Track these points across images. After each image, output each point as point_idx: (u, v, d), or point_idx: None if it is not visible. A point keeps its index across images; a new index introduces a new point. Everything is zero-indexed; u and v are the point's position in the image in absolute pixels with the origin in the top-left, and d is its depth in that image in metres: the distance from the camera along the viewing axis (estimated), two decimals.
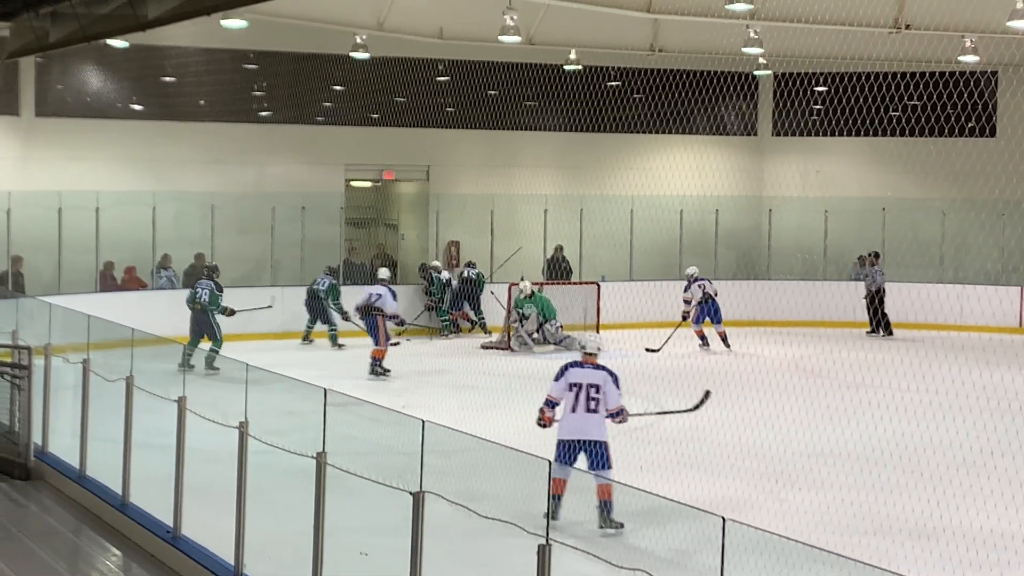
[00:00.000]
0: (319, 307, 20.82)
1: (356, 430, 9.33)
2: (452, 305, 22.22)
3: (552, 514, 9.00)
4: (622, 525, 9.32)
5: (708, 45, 22.11)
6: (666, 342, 20.02)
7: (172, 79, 23.32)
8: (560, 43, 22.59)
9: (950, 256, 24.55)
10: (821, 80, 25.74)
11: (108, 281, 21.14)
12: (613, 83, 25.51)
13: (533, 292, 20.79)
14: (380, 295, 17.85)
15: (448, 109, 24.96)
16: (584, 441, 9.73)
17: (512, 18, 19.16)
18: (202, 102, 23.41)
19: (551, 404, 10.05)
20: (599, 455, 9.68)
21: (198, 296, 17.91)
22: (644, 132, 25.81)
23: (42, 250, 20.30)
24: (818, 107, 26.27)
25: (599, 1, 20.61)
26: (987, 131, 24.77)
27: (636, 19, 21.63)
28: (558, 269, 23.71)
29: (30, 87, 21.98)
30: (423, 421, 6.90)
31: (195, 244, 21.85)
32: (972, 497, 10.91)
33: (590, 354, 10.07)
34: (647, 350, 19.78)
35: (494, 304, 21.97)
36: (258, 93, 24.22)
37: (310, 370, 15.83)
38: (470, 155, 24.90)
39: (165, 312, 19.42)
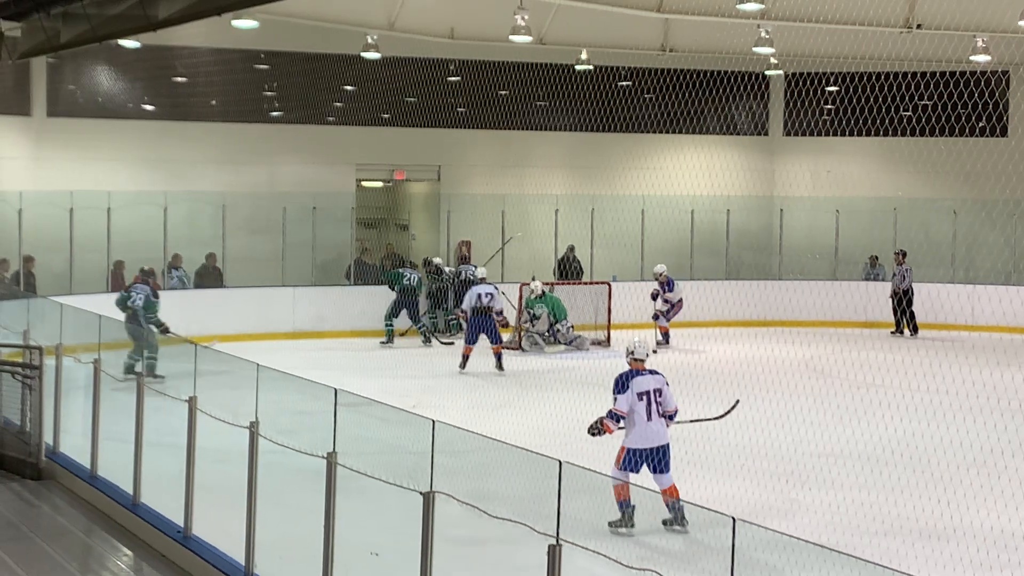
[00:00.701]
0: (411, 301, 20.92)
1: (367, 430, 9.33)
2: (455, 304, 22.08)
3: (627, 521, 9.22)
4: (687, 522, 9.38)
5: (719, 45, 22.08)
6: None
7: (183, 79, 23.36)
8: (571, 43, 22.60)
9: (961, 256, 24.47)
10: (832, 80, 25.70)
11: (119, 281, 21.16)
12: (624, 83, 25.49)
13: (544, 292, 20.78)
14: (492, 294, 18.33)
15: (459, 109, 24.97)
16: (657, 447, 9.67)
17: (523, 18, 19.16)
18: (213, 102, 23.45)
19: (617, 418, 9.79)
20: (665, 457, 9.67)
21: (131, 301, 16.75)
22: (655, 132, 25.79)
23: (53, 250, 20.33)
24: (829, 107, 26.22)
25: (610, 1, 20.60)
26: (998, 131, 24.70)
27: (647, 19, 21.63)
28: (569, 269, 23.69)
29: (42, 87, 22.04)
30: (433, 421, 6.90)
31: (206, 244, 21.88)
32: (983, 497, 10.89)
33: (639, 360, 9.93)
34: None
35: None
36: (269, 93, 24.25)
37: (322, 371, 15.80)
38: (481, 155, 24.90)
39: (176, 312, 19.47)
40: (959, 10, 19.95)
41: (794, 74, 25.52)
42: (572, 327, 20.83)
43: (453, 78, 24.29)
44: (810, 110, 26.26)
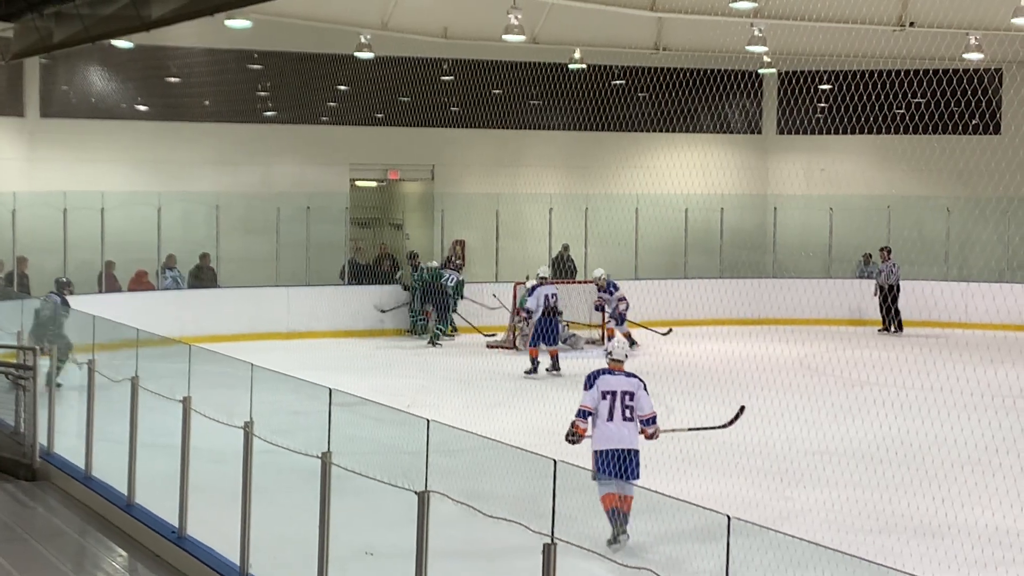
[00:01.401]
0: (444, 303, 21.00)
1: (361, 430, 9.31)
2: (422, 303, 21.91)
3: (615, 536, 8.88)
4: (628, 537, 9.11)
5: (712, 43, 22.09)
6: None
7: (177, 79, 23.35)
8: (564, 42, 22.60)
9: (955, 253, 24.52)
10: (825, 78, 25.74)
11: (110, 281, 21.15)
12: (618, 82, 25.51)
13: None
14: (556, 295, 18.32)
15: (453, 108, 24.97)
16: (622, 450, 9.42)
17: (516, 17, 19.16)
18: (207, 102, 23.44)
19: (585, 415, 9.53)
20: (632, 463, 9.43)
21: (41, 309, 15.35)
22: (649, 131, 25.81)
23: (47, 251, 20.32)
24: (822, 105, 26.24)
25: (603, 0, 20.61)
26: (992, 128, 24.74)
27: (640, 17, 21.64)
28: (563, 268, 23.70)
29: (35, 88, 22.03)
30: (428, 420, 6.89)
31: (200, 245, 21.88)
32: (978, 495, 10.90)
33: (617, 361, 9.71)
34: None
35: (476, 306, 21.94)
36: (263, 93, 24.23)
37: (316, 371, 15.78)
38: (475, 154, 24.91)
39: (170, 312, 19.49)
40: (952, 8, 19.97)
41: (787, 72, 25.55)
42: (567, 326, 20.81)
43: (447, 77, 24.29)
44: (803, 108, 26.29)
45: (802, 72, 25.40)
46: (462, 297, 21.78)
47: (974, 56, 21.02)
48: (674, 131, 26.09)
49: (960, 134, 24.51)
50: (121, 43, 19.60)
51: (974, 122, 24.43)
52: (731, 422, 10.85)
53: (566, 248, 23.98)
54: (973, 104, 23.99)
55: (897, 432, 12.88)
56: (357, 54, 21.15)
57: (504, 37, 19.73)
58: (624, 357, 9.77)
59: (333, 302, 21.77)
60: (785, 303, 22.31)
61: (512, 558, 7.80)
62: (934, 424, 13.24)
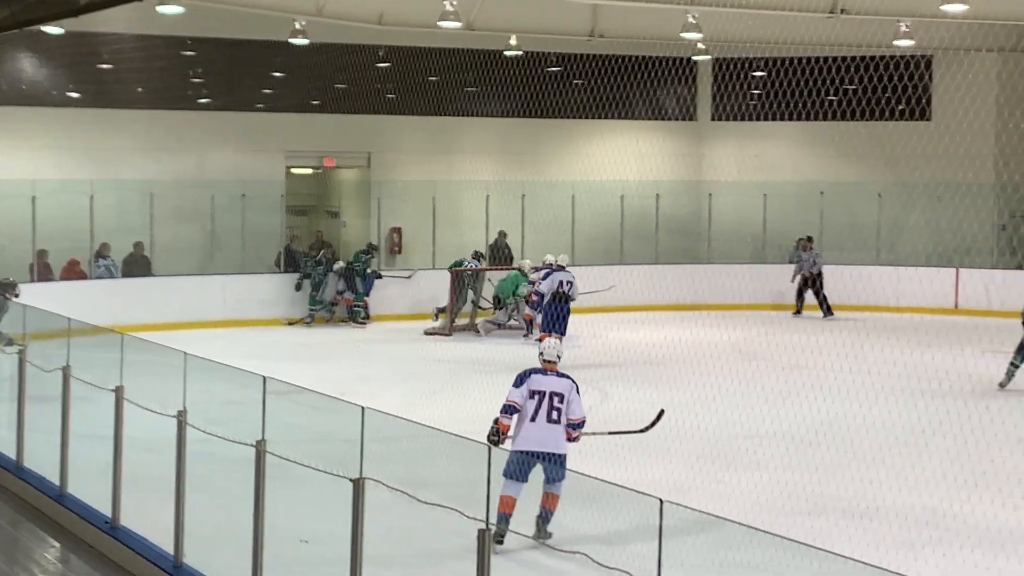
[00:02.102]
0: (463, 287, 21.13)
1: (297, 418, 9.33)
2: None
3: (498, 537, 8.45)
4: (551, 535, 8.95)
5: (647, 30, 22.23)
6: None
7: (109, 66, 23.08)
8: (500, 29, 22.60)
9: (885, 238, 24.88)
10: (759, 65, 25.98)
11: (43, 270, 20.92)
12: (553, 69, 25.59)
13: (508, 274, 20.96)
14: (571, 282, 18.28)
15: (389, 95, 24.91)
16: (544, 454, 9.02)
17: (452, 3, 19.17)
18: (140, 89, 23.20)
19: (511, 411, 9.13)
20: (558, 467, 9.02)
21: None
22: (585, 118, 25.94)
23: None
24: (756, 91, 26.49)
25: None
26: (921, 114, 25.10)
27: (576, 5, 21.74)
28: (500, 255, 23.77)
29: None
30: (363, 408, 6.91)
31: (134, 233, 21.69)
32: (905, 476, 11.12)
33: (550, 361, 9.36)
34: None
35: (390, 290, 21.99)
36: (196, 80, 24.04)
37: (253, 359, 15.67)
38: (411, 141, 24.87)
39: (104, 301, 19.31)
40: None
41: (721, 59, 25.75)
42: (517, 310, 20.90)
43: (383, 64, 24.23)
44: (737, 95, 26.51)
45: (736, 59, 25.62)
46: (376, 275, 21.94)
47: (904, 43, 21.30)
48: (610, 118, 26.23)
49: (890, 120, 24.90)
50: (51, 29, 19.36)
51: (903, 108, 24.79)
52: (650, 426, 10.70)
53: (503, 235, 24.05)
54: (903, 90, 24.40)
55: (828, 415, 13.04)
56: (292, 40, 21.03)
57: (439, 23, 19.71)
58: (557, 358, 9.41)
59: (269, 290, 21.69)
60: (720, 288, 22.54)
61: (447, 544, 7.84)
62: (863, 407, 13.49)
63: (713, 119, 26.93)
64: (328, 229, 24.52)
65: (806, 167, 26.04)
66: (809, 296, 23.50)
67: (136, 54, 22.72)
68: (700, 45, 22.78)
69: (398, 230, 24.20)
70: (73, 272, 21.21)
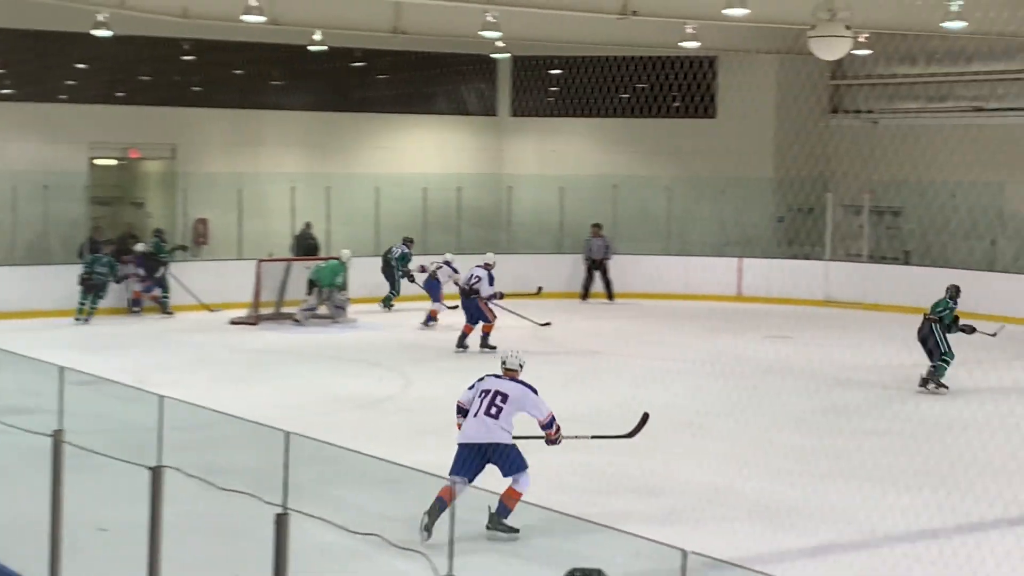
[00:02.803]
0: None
1: (98, 407, 9.37)
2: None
3: (426, 524, 8.57)
4: (517, 531, 9.13)
5: (448, 28, 22.81)
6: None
7: None
8: (305, 23, 22.81)
9: (676, 230, 26.01)
10: (556, 64, 26.90)
11: None
12: (358, 64, 26.01)
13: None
14: (480, 278, 18.38)
15: (194, 88, 24.93)
16: (487, 445, 9.16)
17: None
18: None
19: (460, 411, 9.53)
20: (508, 458, 9.21)
21: None
22: (388, 112, 26.47)
23: None
24: (554, 89, 27.35)
25: None
26: (707, 112, 26.36)
27: (379, 1, 22.15)
28: (305, 245, 24.06)
29: None
30: (161, 397, 6.96)
31: None
32: (692, 454, 11.96)
33: (511, 370, 9.64)
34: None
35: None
36: None
37: (55, 350, 15.33)
38: (217, 134, 24.92)
39: None
40: None
41: (520, 57, 26.50)
42: (349, 299, 21.49)
43: (187, 57, 24.24)
44: (535, 92, 27.31)
45: (534, 57, 26.45)
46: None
47: (690, 44, 22.20)
48: (413, 112, 26.81)
49: (678, 117, 26.15)
50: None
51: (690, 106, 26.00)
52: (635, 431, 10.77)
53: (308, 226, 24.37)
54: (689, 89, 25.69)
55: (622, 398, 13.71)
56: (94, 32, 20.88)
57: (243, 17, 19.86)
58: (519, 367, 9.68)
59: (70, 281, 21.52)
60: (521, 278, 23.27)
61: (246, 529, 7.41)
62: (653, 389, 14.33)
63: (513, 115, 27.68)
64: (133, 220, 24.43)
65: (600, 161, 27.01)
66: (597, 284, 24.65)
67: None
68: (499, 43, 23.40)
69: (204, 221, 24.27)
70: None
